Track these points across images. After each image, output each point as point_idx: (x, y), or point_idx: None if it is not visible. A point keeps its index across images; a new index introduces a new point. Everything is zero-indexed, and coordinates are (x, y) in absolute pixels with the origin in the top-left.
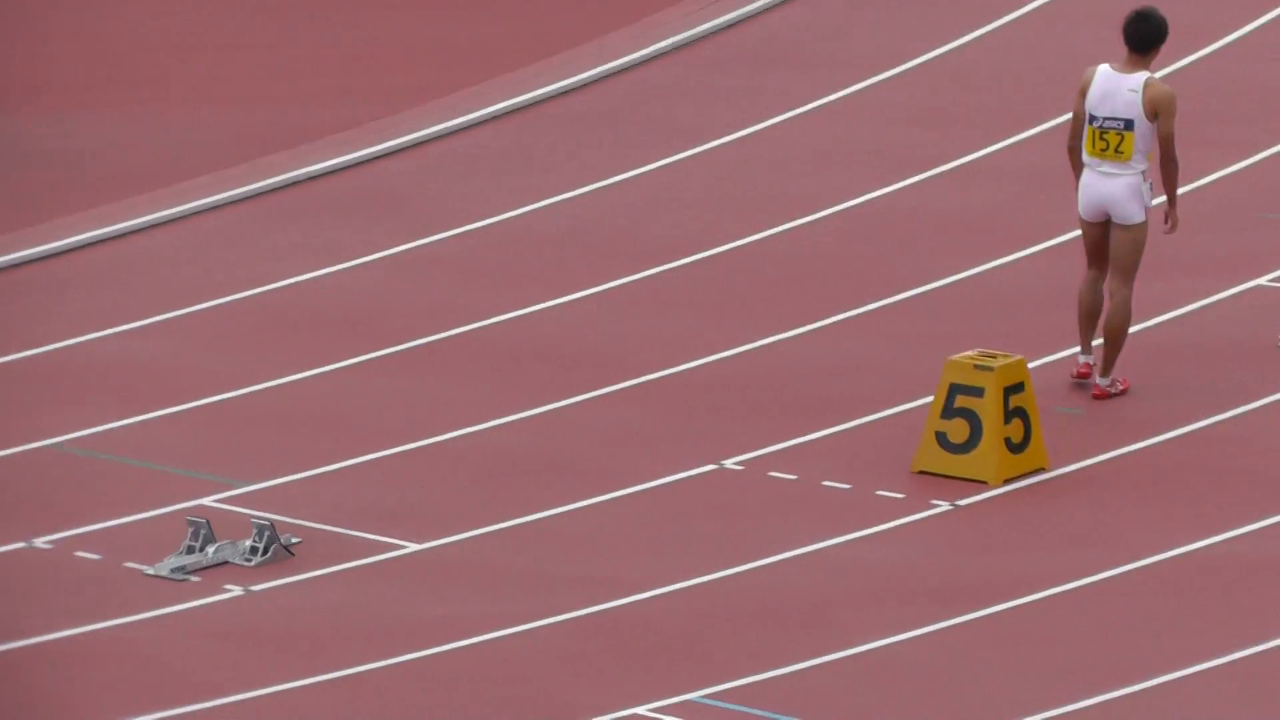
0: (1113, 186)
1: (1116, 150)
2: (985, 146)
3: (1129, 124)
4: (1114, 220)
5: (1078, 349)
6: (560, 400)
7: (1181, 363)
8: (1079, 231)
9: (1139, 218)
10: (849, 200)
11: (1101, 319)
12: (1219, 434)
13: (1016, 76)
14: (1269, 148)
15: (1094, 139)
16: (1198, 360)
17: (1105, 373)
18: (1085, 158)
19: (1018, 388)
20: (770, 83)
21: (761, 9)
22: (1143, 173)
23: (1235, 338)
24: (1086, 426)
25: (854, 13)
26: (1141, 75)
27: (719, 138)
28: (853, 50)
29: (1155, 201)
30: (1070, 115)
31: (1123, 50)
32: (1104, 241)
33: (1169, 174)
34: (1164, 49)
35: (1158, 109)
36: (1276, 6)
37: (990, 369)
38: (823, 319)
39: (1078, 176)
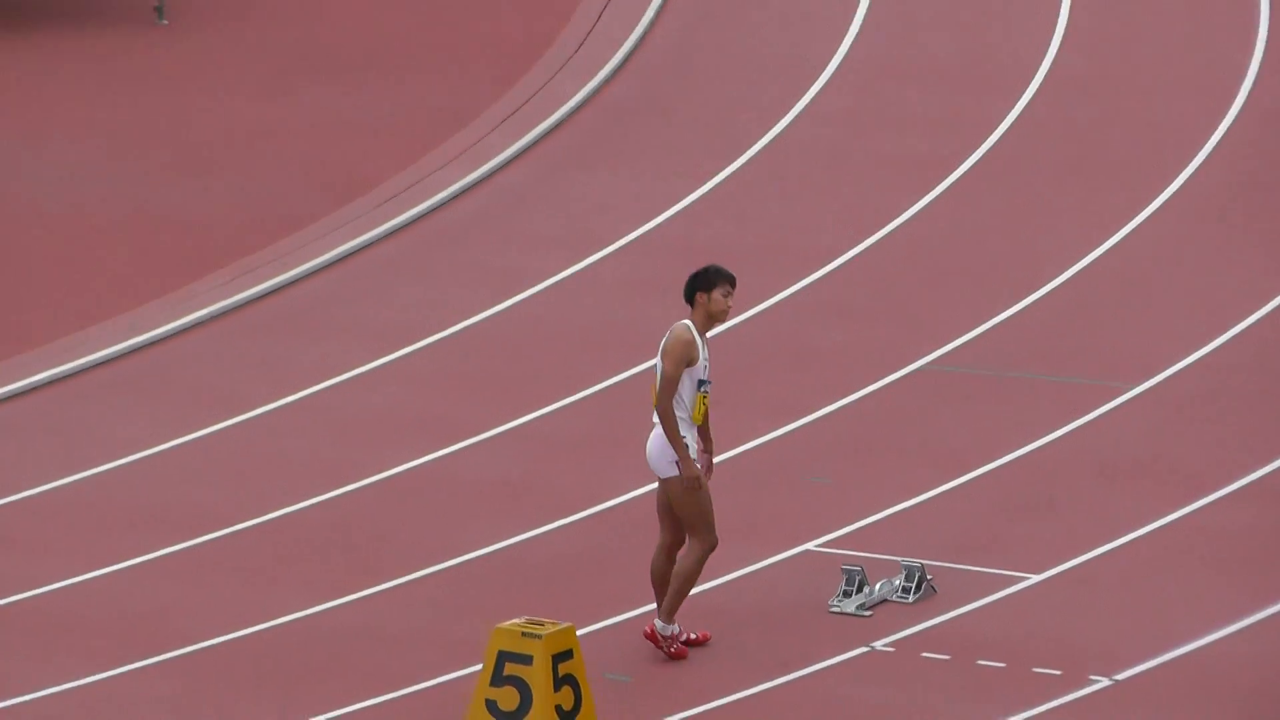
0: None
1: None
2: (520, 415)
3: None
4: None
5: (622, 615)
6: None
7: (731, 627)
8: (621, 499)
9: (669, 471)
10: (386, 470)
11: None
12: (775, 698)
13: (553, 343)
14: (814, 410)
15: (701, 404)
16: (751, 624)
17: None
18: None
19: (566, 655)
20: (310, 350)
21: (295, 278)
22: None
23: (787, 602)
24: (636, 693)
25: (390, 281)
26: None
27: (262, 405)
28: (385, 317)
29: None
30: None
31: (686, 308)
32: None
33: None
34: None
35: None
36: (809, 275)
37: (539, 636)
38: (367, 588)
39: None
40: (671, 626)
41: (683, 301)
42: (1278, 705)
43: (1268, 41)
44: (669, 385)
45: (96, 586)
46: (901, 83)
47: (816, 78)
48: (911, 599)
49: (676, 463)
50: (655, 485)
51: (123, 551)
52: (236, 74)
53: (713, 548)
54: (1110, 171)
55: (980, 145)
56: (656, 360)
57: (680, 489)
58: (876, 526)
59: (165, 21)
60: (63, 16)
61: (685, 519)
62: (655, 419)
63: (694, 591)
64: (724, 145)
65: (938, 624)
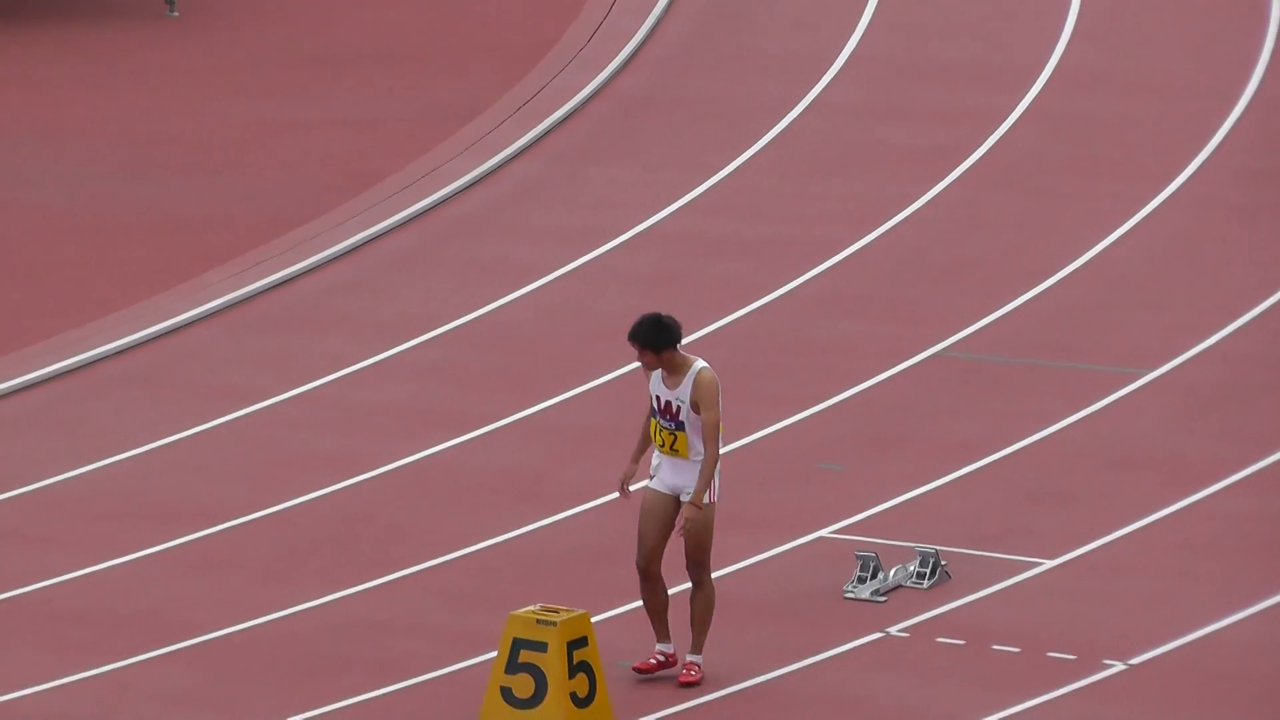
0: None
1: None
2: (531, 406)
3: None
4: None
5: (636, 603)
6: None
7: (745, 615)
8: (632, 488)
9: None
10: (397, 461)
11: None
12: (790, 684)
13: (563, 334)
14: (826, 399)
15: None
16: (766, 611)
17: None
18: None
19: (581, 642)
20: (320, 342)
21: (305, 270)
22: None
23: (801, 589)
24: (652, 680)
25: (399, 273)
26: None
27: (272, 397)
28: (396, 309)
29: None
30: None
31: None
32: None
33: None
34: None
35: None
36: (817, 266)
37: (553, 624)
38: (380, 578)
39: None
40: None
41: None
42: None
43: (1277, 33)
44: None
45: (106, 579)
46: (910, 76)
47: (825, 71)
48: (926, 585)
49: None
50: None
51: (133, 544)
52: (247, 69)
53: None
54: (1120, 162)
55: (989, 137)
56: (684, 402)
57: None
58: (890, 513)
59: (176, 14)
60: (73, 11)
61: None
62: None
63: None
64: (733, 137)
65: (952, 609)
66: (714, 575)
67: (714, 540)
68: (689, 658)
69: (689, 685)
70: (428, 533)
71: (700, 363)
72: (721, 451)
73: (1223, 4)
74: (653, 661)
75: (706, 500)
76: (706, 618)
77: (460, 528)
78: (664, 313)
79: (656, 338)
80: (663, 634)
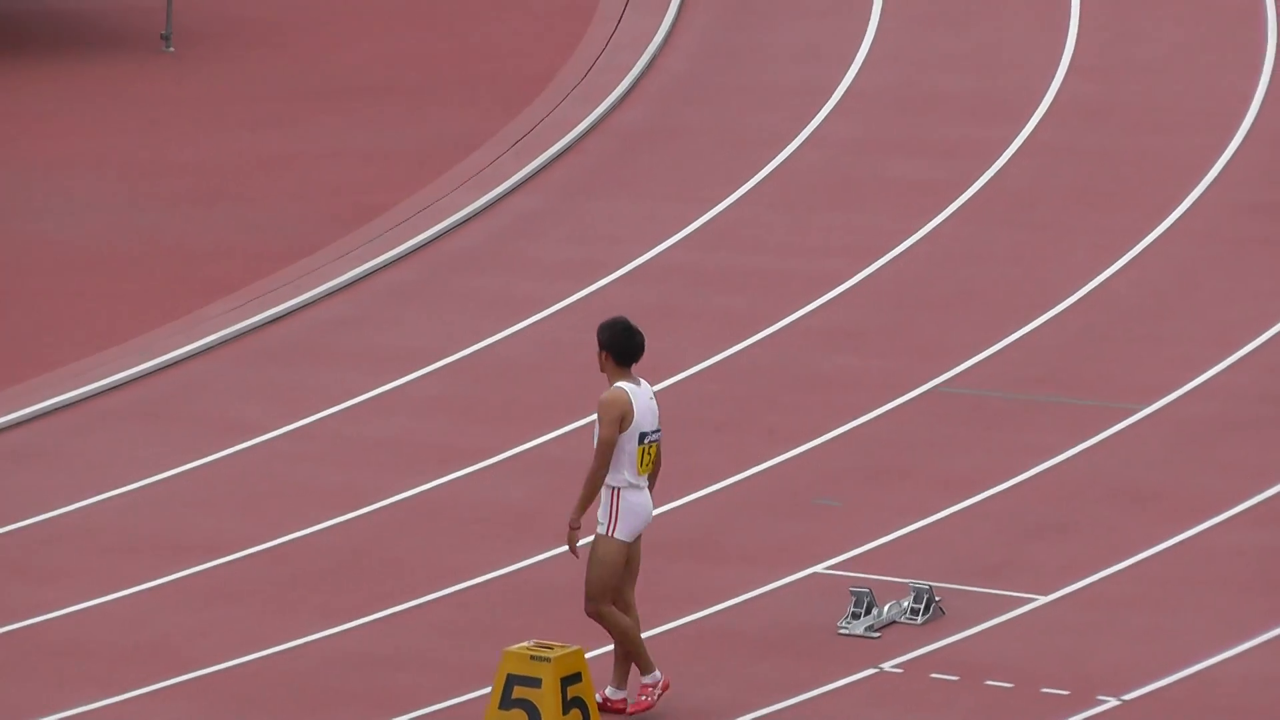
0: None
1: (656, 462)
2: (530, 440)
3: (658, 432)
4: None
5: None
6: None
7: (740, 650)
8: None
9: None
10: (396, 494)
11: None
12: None
13: (563, 367)
14: (822, 434)
15: (644, 456)
16: (760, 646)
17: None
18: (633, 479)
19: (575, 678)
20: (320, 375)
21: (306, 303)
22: None
23: (795, 625)
24: (649, 715)
25: (399, 306)
26: (645, 383)
27: (272, 430)
28: (395, 343)
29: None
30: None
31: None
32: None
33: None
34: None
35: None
36: (816, 300)
37: (547, 660)
38: (377, 612)
39: (587, 505)
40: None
41: (687, 327)
42: None
43: (1274, 66)
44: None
45: (108, 612)
46: (907, 110)
47: (823, 105)
48: (920, 620)
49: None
50: (664, 509)
51: (134, 577)
52: (244, 102)
53: None
54: (1117, 195)
55: (986, 170)
56: (656, 424)
57: None
58: (885, 549)
59: (172, 50)
60: (70, 45)
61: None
62: (644, 482)
63: (704, 614)
64: (732, 171)
65: (946, 645)
66: (709, 609)
67: (709, 572)
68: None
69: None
70: (427, 567)
71: (619, 385)
72: (720, 485)
73: (1220, 37)
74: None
75: (601, 530)
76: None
77: (459, 562)
78: (638, 332)
79: (601, 333)
80: (620, 678)
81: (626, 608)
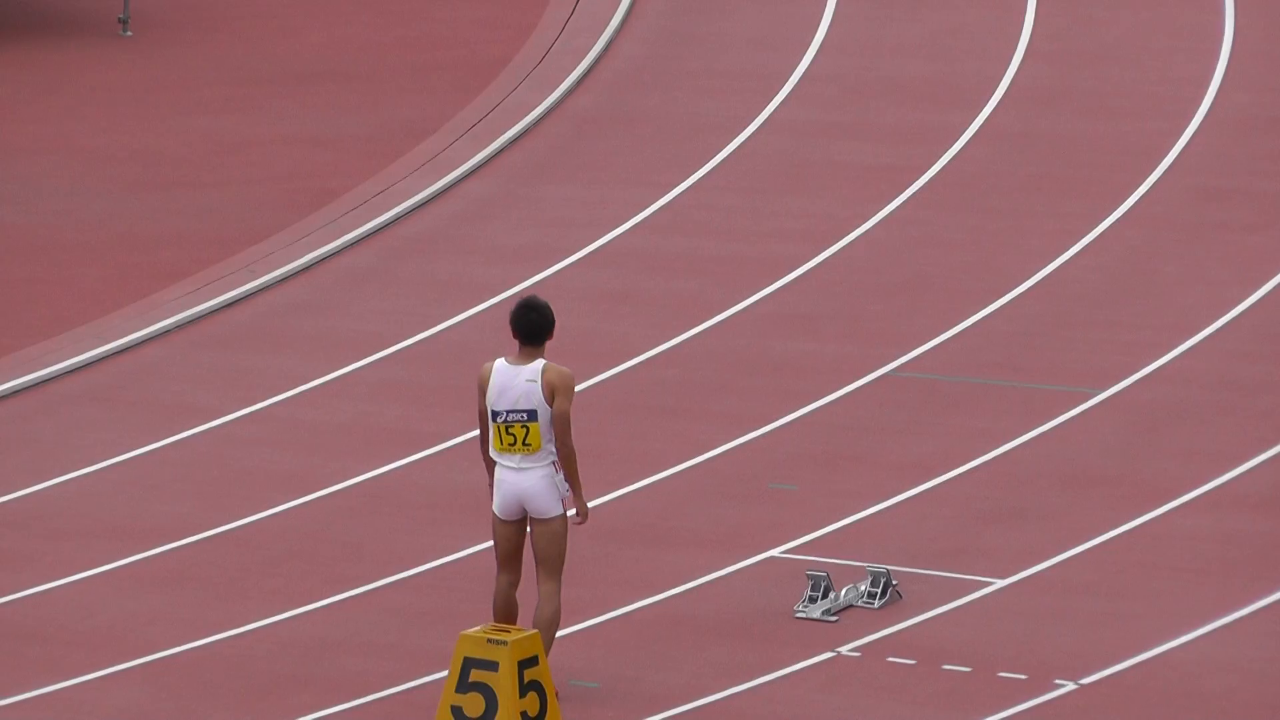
0: (527, 480)
1: (524, 443)
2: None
3: (532, 414)
4: (532, 515)
5: (588, 621)
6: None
7: (695, 635)
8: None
9: (557, 510)
10: (351, 479)
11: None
12: (740, 704)
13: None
14: (778, 418)
15: (500, 434)
16: (716, 631)
17: None
18: (495, 454)
19: (532, 661)
20: (274, 360)
21: (260, 288)
22: (553, 463)
23: (752, 609)
24: (604, 699)
25: (353, 291)
26: (539, 363)
27: (226, 415)
28: (349, 327)
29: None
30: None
31: (514, 344)
32: (520, 541)
33: (564, 457)
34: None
35: (555, 391)
36: (771, 285)
37: (504, 643)
38: (332, 596)
39: (493, 476)
40: None
41: (641, 312)
42: (1244, 710)
43: (1232, 50)
44: (564, 422)
45: (62, 596)
46: (863, 95)
47: (779, 90)
48: (877, 604)
49: (564, 500)
50: (618, 493)
51: (87, 562)
52: (200, 87)
53: None
54: (1073, 180)
55: (943, 156)
56: (519, 404)
57: (563, 528)
58: (842, 533)
59: (130, 34)
60: (26, 29)
61: (552, 559)
62: (513, 460)
63: (659, 598)
64: (687, 155)
65: (903, 629)
66: (663, 594)
67: (664, 557)
68: None
69: None
70: (381, 551)
71: (494, 360)
72: (674, 470)
73: (1176, 21)
74: None
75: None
76: (553, 632)
77: (414, 546)
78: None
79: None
80: None
81: (506, 594)
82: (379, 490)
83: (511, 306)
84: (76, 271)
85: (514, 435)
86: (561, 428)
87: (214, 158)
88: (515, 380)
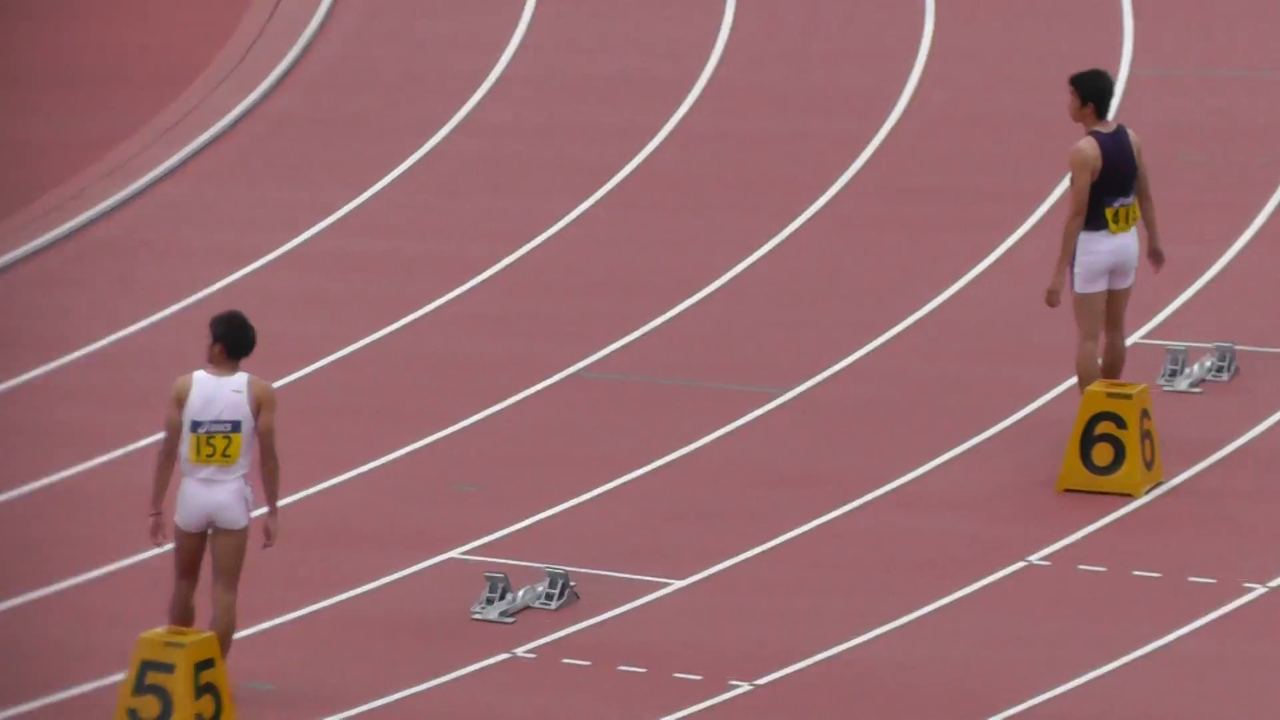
0: (219, 494)
1: (224, 454)
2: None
3: (236, 425)
4: (221, 526)
5: (267, 623)
6: None
7: (373, 636)
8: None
9: (244, 521)
10: (27, 484)
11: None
12: (417, 705)
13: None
14: (463, 419)
15: (199, 445)
16: (393, 632)
17: None
18: (187, 466)
19: (208, 663)
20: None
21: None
22: (244, 475)
23: (429, 610)
24: (280, 700)
25: (45, 294)
26: (242, 376)
27: None
28: (43, 329)
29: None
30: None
31: (203, 352)
32: (202, 550)
33: (272, 470)
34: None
35: (262, 404)
36: (462, 285)
37: (181, 645)
38: (5, 600)
39: (161, 487)
40: None
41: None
42: (920, 709)
43: (930, 48)
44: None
45: None
46: (560, 95)
47: (474, 91)
48: (554, 605)
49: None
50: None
51: None
52: None
53: None
54: (766, 180)
55: (636, 155)
56: (224, 415)
57: (245, 540)
58: (523, 534)
59: None
60: None
61: (234, 571)
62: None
63: (339, 599)
64: (382, 157)
65: (580, 630)
66: (343, 595)
67: (344, 557)
68: None
69: None
70: (62, 553)
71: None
72: (360, 470)
73: (876, 21)
74: None
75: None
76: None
77: (96, 547)
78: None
79: None
80: None
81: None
82: (65, 492)
83: (215, 318)
84: None
85: (214, 446)
86: (269, 441)
87: None
88: (221, 391)
